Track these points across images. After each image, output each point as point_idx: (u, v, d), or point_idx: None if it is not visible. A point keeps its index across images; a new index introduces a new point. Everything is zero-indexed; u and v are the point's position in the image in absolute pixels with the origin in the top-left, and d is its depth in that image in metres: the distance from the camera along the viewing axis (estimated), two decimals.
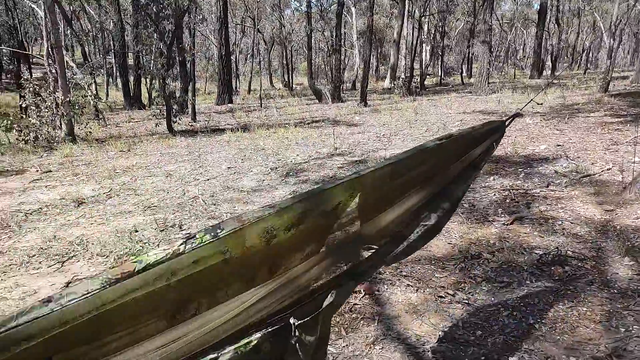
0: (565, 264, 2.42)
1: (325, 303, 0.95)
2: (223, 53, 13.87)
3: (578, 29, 27.46)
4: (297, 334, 0.89)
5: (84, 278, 2.54)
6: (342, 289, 1.01)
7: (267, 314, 0.86)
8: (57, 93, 7.16)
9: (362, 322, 2.03)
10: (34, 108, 7.17)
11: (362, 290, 2.26)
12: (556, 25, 23.22)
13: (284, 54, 22.72)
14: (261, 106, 12.65)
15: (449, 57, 28.07)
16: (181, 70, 10.51)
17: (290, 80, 21.92)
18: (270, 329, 0.85)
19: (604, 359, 1.68)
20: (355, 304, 2.17)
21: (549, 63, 23.20)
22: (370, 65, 20.43)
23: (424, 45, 19.24)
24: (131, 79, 13.84)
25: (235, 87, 19.69)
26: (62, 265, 2.73)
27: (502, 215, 3.22)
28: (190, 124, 9.39)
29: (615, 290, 2.15)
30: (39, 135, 6.95)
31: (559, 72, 22.31)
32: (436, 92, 15.27)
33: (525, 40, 35.70)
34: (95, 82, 14.40)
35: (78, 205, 3.86)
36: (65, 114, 7.15)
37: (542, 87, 11.73)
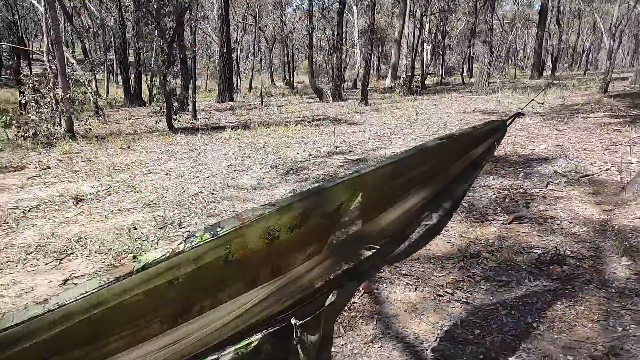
0: (563, 264, 2.43)
1: (327, 303, 0.95)
2: (224, 51, 13.85)
3: (578, 30, 27.45)
4: (298, 334, 0.88)
5: (82, 276, 2.54)
6: (343, 289, 1.00)
7: (268, 314, 0.85)
8: (56, 89, 7.14)
9: (360, 320, 2.04)
10: (33, 104, 7.15)
11: (361, 289, 2.26)
12: (557, 26, 23.21)
13: (285, 52, 22.69)
14: (262, 104, 12.64)
15: (449, 56, 28.05)
16: (182, 67, 10.49)
17: (292, 79, 21.90)
18: (271, 330, 0.84)
19: (601, 357, 1.69)
20: (354, 303, 2.18)
21: (549, 63, 23.21)
22: (372, 64, 20.42)
23: (425, 44, 19.21)
24: (132, 76, 13.82)
25: (236, 85, 19.67)
26: (59, 263, 2.72)
27: (501, 215, 3.22)
28: (190, 121, 9.38)
29: (613, 290, 2.16)
30: (38, 132, 6.93)
31: (559, 72, 22.32)
32: (437, 91, 15.26)
33: (526, 40, 35.68)
34: (95, 78, 14.38)
35: (77, 202, 3.85)
36: (64, 110, 7.14)
37: (542, 88, 11.75)
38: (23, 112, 7.31)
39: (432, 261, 2.55)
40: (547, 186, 3.78)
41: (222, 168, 5.11)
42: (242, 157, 5.65)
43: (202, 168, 5.14)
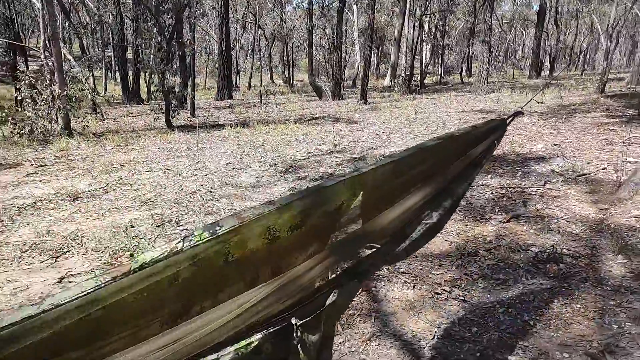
0: (560, 262, 2.44)
1: (328, 302, 0.95)
2: (223, 48, 13.79)
3: (576, 31, 27.55)
4: (299, 334, 0.87)
5: (78, 274, 2.53)
6: (344, 289, 1.00)
7: (268, 314, 0.85)
8: (53, 86, 7.09)
9: (358, 318, 2.04)
10: (29, 101, 7.10)
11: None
12: (555, 27, 23.27)
13: (285, 50, 22.64)
14: (261, 102, 12.62)
15: (449, 56, 28.08)
16: (181, 65, 10.44)
17: (291, 77, 21.85)
18: (271, 330, 0.84)
19: (596, 355, 1.70)
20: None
21: (547, 64, 23.28)
22: (371, 63, 20.39)
23: (424, 44, 19.22)
24: (130, 73, 13.74)
25: (236, 83, 19.60)
26: (55, 261, 2.71)
27: (499, 213, 3.23)
28: (189, 119, 9.35)
29: (609, 288, 2.18)
30: (35, 129, 6.89)
31: (556, 72, 22.38)
32: (436, 90, 15.28)
33: (525, 40, 35.76)
34: (93, 75, 14.29)
35: (73, 200, 3.84)
36: (61, 107, 7.09)
37: (541, 87, 11.78)
38: (19, 109, 7.26)
39: (430, 259, 2.56)
40: (544, 185, 3.80)
41: (221, 166, 5.10)
42: (241, 155, 5.64)
43: (201, 166, 5.12)
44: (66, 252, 2.83)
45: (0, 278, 2.49)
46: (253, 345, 0.81)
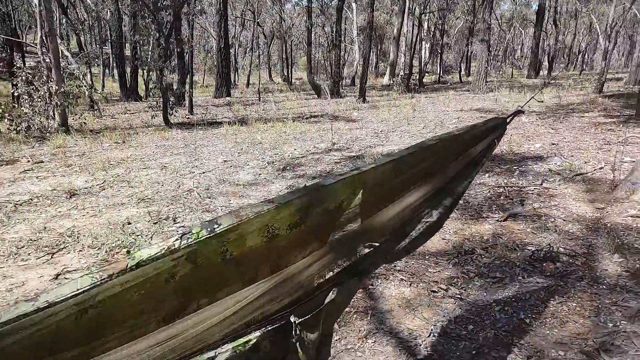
0: (556, 261, 2.45)
1: (327, 301, 0.94)
2: (222, 46, 13.74)
3: (575, 31, 27.60)
4: (297, 332, 0.87)
5: (75, 270, 2.52)
6: (343, 287, 0.99)
7: (267, 311, 0.84)
8: (50, 82, 7.05)
9: (355, 316, 2.04)
10: (26, 97, 7.06)
11: None
12: (554, 26, 23.30)
13: (284, 48, 22.58)
14: (259, 100, 12.58)
15: (448, 55, 28.06)
16: (179, 62, 10.40)
17: (290, 75, 21.81)
18: (270, 327, 0.83)
19: (592, 353, 1.71)
20: None
21: (545, 63, 23.31)
22: (370, 62, 20.36)
23: (423, 42, 19.21)
24: (128, 70, 13.68)
25: (234, 81, 19.54)
26: (51, 257, 2.70)
27: (496, 212, 3.24)
28: (187, 116, 9.32)
29: (604, 286, 2.18)
30: (32, 125, 6.85)
31: (555, 72, 22.42)
32: (434, 89, 15.28)
33: (523, 40, 35.79)
34: (91, 72, 14.22)
35: (70, 197, 3.82)
36: (58, 104, 7.05)
37: (540, 87, 11.80)
38: (16, 105, 7.21)
39: (427, 257, 2.56)
40: (541, 184, 3.80)
41: (218, 163, 5.08)
42: (239, 153, 5.62)
43: (198, 163, 5.11)
44: (62, 248, 2.81)
45: None
46: (251, 343, 0.80)
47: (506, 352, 1.74)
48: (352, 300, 2.17)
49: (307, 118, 8.83)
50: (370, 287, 2.27)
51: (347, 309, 2.08)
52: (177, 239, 0.67)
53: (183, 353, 0.73)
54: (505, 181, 3.95)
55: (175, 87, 8.80)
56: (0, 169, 4.88)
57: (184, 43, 10.41)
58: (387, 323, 1.98)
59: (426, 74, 19.19)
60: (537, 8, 20.78)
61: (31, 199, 3.76)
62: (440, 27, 19.71)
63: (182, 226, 3.16)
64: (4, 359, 0.55)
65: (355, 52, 20.77)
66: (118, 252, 2.76)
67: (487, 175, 4.16)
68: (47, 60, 7.27)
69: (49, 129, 7.01)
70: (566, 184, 3.76)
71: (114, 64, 16.69)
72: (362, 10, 22.71)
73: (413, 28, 17.93)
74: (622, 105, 8.39)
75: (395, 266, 2.45)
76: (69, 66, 9.57)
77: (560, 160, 4.54)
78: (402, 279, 2.34)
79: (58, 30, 13.06)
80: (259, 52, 25.41)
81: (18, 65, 8.88)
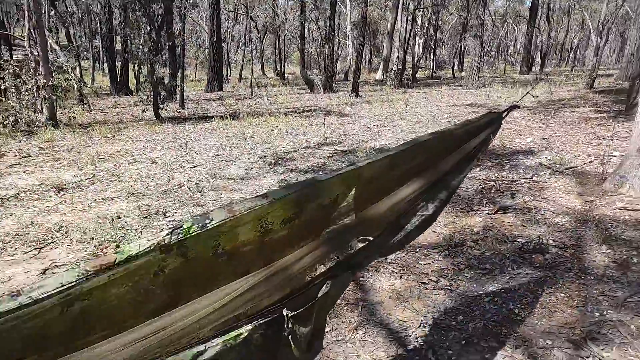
0: (545, 252, 2.48)
1: (320, 294, 0.93)
2: (214, 40, 13.56)
3: (567, 27, 27.82)
4: (290, 325, 0.86)
5: (62, 265, 2.48)
6: (337, 280, 0.99)
7: (258, 304, 0.83)
8: (38, 76, 6.89)
9: (345, 307, 2.04)
10: (13, 90, 6.90)
11: None
12: (546, 23, 23.45)
13: (277, 42, 22.38)
14: (252, 94, 12.48)
15: (441, 50, 28.13)
16: (170, 56, 10.24)
17: (283, 70, 21.65)
18: (262, 321, 0.82)
19: (579, 341, 1.73)
20: None
21: (538, 59, 23.47)
22: (363, 57, 20.32)
23: (417, 38, 19.18)
24: (118, 63, 13.45)
25: (226, 75, 19.33)
26: (39, 252, 2.65)
27: (487, 205, 3.26)
28: (178, 110, 9.20)
29: (592, 277, 2.21)
30: (19, 119, 6.71)
31: (547, 68, 22.61)
32: (427, 84, 15.30)
33: (516, 36, 35.99)
34: (80, 66, 13.94)
35: (58, 191, 3.75)
36: (46, 97, 6.91)
37: (532, 82, 11.88)
38: (3, 99, 7.04)
39: (418, 250, 2.57)
40: (532, 178, 3.83)
41: (209, 158, 5.03)
42: (230, 147, 5.57)
43: (189, 157, 5.05)
44: (50, 243, 2.76)
45: None
46: (242, 336, 0.79)
47: (495, 341, 1.75)
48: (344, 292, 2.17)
49: (299, 112, 8.79)
50: (361, 279, 2.27)
51: (338, 301, 2.08)
52: (167, 234, 0.65)
53: (171, 346, 0.71)
54: (496, 175, 3.97)
55: (166, 81, 8.67)
56: None
57: (176, 37, 10.24)
58: (377, 314, 1.98)
59: (419, 69, 19.23)
60: (530, 4, 20.88)
61: (18, 194, 3.69)
62: (433, 23, 19.71)
63: (172, 220, 3.12)
64: None
65: (349, 47, 20.67)
66: (107, 247, 2.72)
67: (478, 169, 4.18)
68: (35, 53, 7.10)
69: (37, 123, 6.87)
70: (556, 178, 3.80)
71: (104, 58, 16.40)
72: (356, 5, 22.58)
73: (407, 23, 17.89)
74: (612, 100, 8.49)
75: (386, 259, 2.45)
76: (58, 59, 9.36)
77: (550, 154, 4.58)
78: (392, 271, 2.34)
79: (46, 23, 12.78)
80: (251, 47, 25.19)
81: (5, 58, 8.68)
